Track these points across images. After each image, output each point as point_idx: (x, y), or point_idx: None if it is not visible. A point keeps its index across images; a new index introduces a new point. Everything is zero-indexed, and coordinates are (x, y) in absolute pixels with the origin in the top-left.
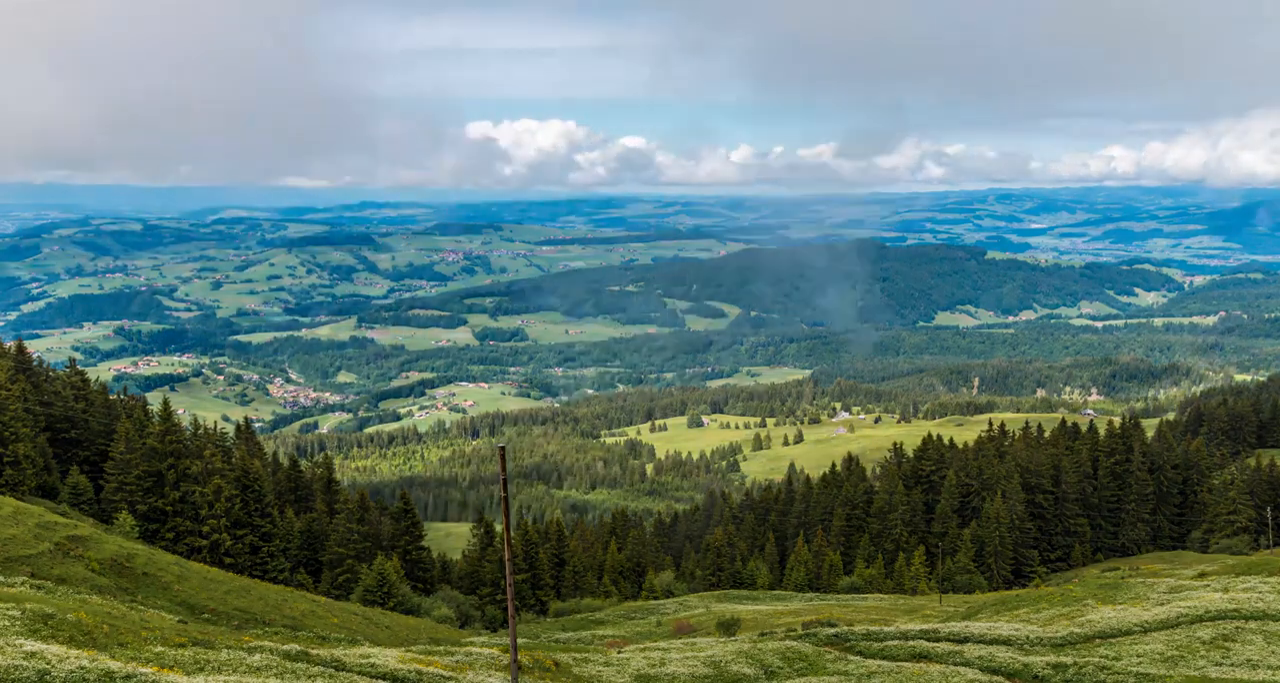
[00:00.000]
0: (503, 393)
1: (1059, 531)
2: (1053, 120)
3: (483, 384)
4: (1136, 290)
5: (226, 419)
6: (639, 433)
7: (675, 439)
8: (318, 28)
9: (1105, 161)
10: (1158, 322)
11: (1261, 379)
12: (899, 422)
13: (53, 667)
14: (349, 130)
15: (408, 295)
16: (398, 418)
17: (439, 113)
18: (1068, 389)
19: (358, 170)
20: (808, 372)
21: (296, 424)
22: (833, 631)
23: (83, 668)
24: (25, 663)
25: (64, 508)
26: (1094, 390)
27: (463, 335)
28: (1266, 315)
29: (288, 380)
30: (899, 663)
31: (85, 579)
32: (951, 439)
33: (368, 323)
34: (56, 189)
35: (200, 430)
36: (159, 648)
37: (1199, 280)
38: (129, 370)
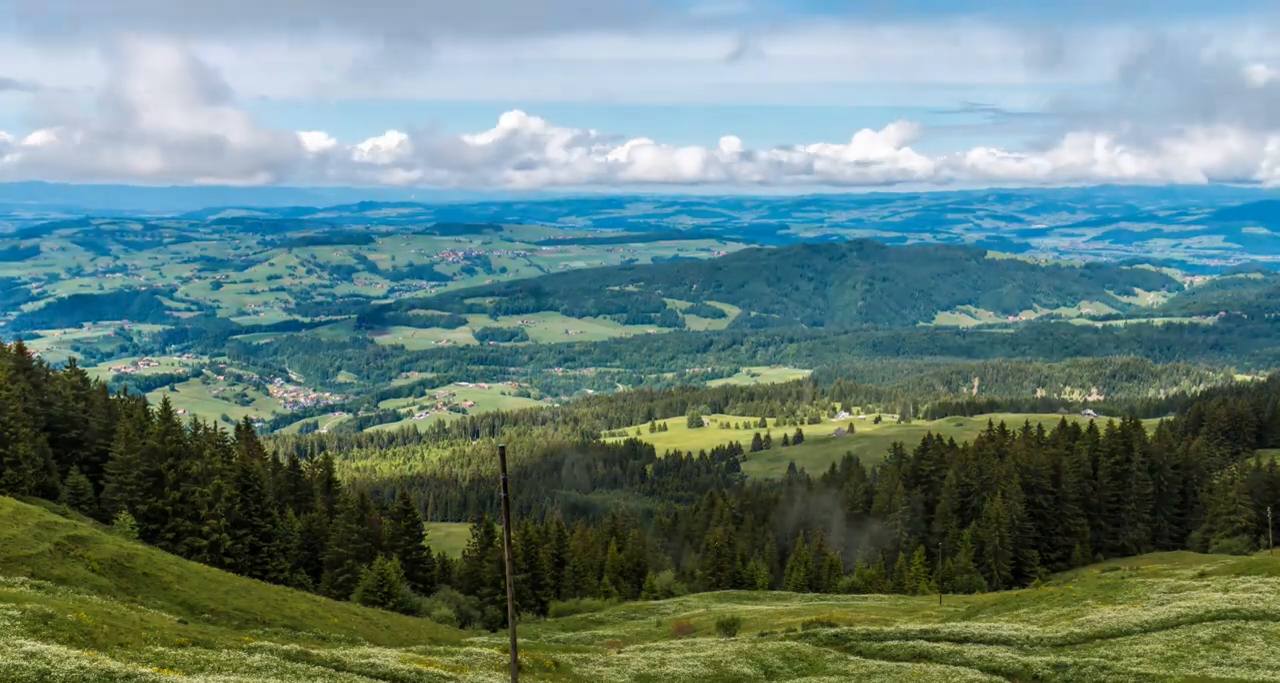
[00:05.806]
0: (503, 393)
1: (1059, 530)
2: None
3: (483, 384)
4: (1136, 290)
5: (226, 419)
6: (639, 433)
7: (675, 439)
8: None
9: (1105, 161)
10: (1158, 322)
11: (1261, 379)
12: (899, 422)
13: (53, 667)
14: None
15: (408, 295)
16: (398, 418)
17: None
18: (1068, 389)
19: None
20: (808, 372)
21: (296, 424)
22: (833, 631)
23: (83, 668)
24: (25, 663)
25: (64, 508)
26: (1094, 390)
27: (463, 335)
28: (1266, 315)
29: (288, 380)
30: (899, 663)
31: (85, 579)
32: (951, 439)
33: (368, 323)
34: (56, 189)
35: (200, 430)
36: (159, 648)
37: (1199, 280)
38: (129, 370)
